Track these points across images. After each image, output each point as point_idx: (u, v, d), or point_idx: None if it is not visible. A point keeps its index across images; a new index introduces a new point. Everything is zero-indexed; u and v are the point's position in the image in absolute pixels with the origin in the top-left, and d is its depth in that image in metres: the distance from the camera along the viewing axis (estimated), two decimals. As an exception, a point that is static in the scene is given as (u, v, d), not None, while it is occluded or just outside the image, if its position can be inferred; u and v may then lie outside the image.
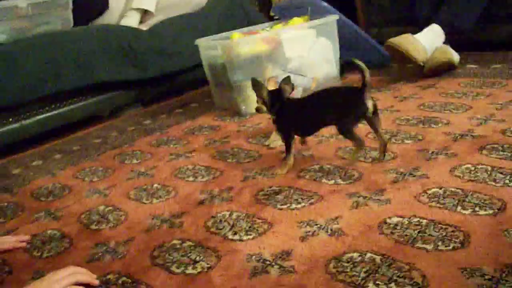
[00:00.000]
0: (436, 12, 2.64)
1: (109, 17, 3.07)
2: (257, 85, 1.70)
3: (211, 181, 1.66)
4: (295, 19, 2.62)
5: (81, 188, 1.83)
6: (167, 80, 2.96)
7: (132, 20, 2.99)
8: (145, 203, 1.58)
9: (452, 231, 1.13)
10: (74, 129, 2.66)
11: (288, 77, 1.70)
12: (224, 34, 2.64)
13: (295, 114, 1.67)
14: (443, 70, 2.50)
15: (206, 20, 3.11)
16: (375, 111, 1.55)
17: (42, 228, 1.54)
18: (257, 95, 1.70)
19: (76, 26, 2.87)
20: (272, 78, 2.06)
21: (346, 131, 1.57)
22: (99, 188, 1.79)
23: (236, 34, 2.55)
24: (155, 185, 1.71)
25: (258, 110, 1.73)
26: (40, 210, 1.68)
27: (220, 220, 1.37)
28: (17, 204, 1.78)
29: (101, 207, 1.61)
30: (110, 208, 1.59)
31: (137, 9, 3.02)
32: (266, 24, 2.84)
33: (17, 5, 2.62)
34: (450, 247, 1.07)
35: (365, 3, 3.51)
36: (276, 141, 1.88)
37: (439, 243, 1.09)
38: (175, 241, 1.30)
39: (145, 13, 3.06)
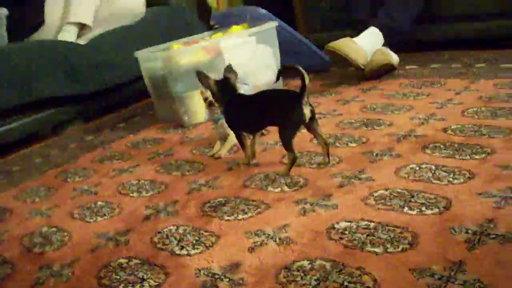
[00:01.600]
0: (374, 15, 2.67)
1: (45, 33, 3.00)
2: (202, 76, 1.70)
3: (156, 195, 1.62)
4: (234, 27, 2.62)
5: (22, 209, 1.76)
6: (108, 94, 2.90)
7: (69, 35, 2.93)
8: (89, 222, 1.53)
9: (400, 233, 1.13)
10: (14, 148, 2.58)
11: (230, 65, 1.75)
12: (163, 45, 2.61)
13: (243, 109, 1.69)
14: (383, 72, 2.53)
15: (146, 31, 3.07)
16: (313, 117, 1.54)
17: (-18, 254, 1.48)
18: (204, 87, 1.71)
19: (10, 43, 2.80)
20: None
21: (284, 141, 1.56)
22: (41, 209, 1.73)
23: (176, 45, 2.52)
24: (99, 203, 1.66)
25: (210, 104, 1.74)
26: (-21, 236, 1.62)
27: (167, 235, 1.33)
28: (-46, 230, 1.71)
29: (44, 229, 1.55)
30: (53, 229, 1.54)
31: (74, 23, 2.95)
32: (206, 33, 2.83)
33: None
34: (399, 249, 1.07)
35: (304, 8, 3.53)
36: (221, 151, 1.86)
37: (388, 245, 1.09)
38: (121, 260, 1.26)
39: (82, 27, 2.99)
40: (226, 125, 1.85)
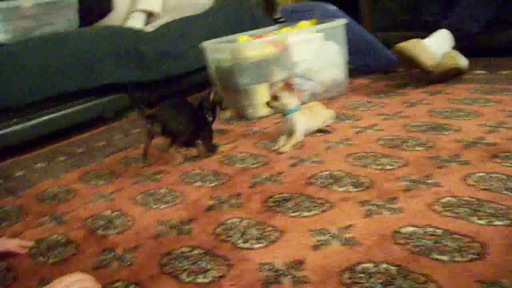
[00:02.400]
0: (444, 17, 2.62)
1: (114, 19, 3.05)
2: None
3: (219, 187, 1.63)
4: (303, 22, 2.60)
5: (86, 192, 1.80)
6: (172, 82, 2.93)
7: (137, 22, 2.97)
8: (152, 208, 1.55)
9: (468, 242, 1.11)
10: (78, 131, 2.64)
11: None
12: (230, 37, 2.62)
13: None
14: (451, 75, 2.48)
15: (212, 22, 3.09)
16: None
17: (47, 233, 1.51)
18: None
19: (81, 27, 2.85)
20: (279, 82, 2.04)
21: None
22: (105, 192, 1.76)
23: (243, 37, 2.53)
24: (162, 190, 1.68)
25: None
26: (45, 214, 1.65)
27: (230, 227, 1.34)
28: (22, 207, 1.76)
29: (107, 212, 1.58)
30: (117, 213, 1.57)
31: (143, 11, 2.99)
32: (273, 27, 2.82)
33: (22, 5, 2.60)
34: (467, 259, 1.05)
35: (372, 6, 3.49)
36: (285, 146, 1.86)
37: (456, 254, 1.07)
38: (184, 249, 1.27)
39: (150, 15, 3.03)
40: (294, 120, 1.87)
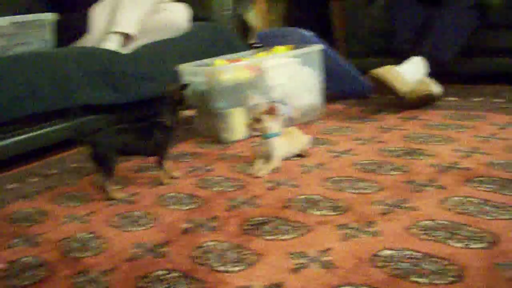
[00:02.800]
0: (418, 45, 2.66)
1: (90, 40, 3.03)
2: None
3: (195, 210, 1.62)
4: (279, 47, 2.62)
5: (60, 213, 1.77)
6: (146, 105, 2.92)
7: (113, 44, 2.96)
8: (127, 231, 1.53)
9: (447, 265, 1.11)
10: (51, 152, 2.60)
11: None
12: (207, 60, 2.62)
13: None
14: (424, 102, 2.51)
15: (188, 45, 3.08)
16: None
17: (19, 255, 1.47)
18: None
19: (56, 48, 2.83)
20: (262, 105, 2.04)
21: None
22: (78, 214, 1.73)
23: (219, 61, 2.53)
24: (137, 212, 1.66)
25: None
26: (17, 236, 1.61)
27: (207, 251, 1.32)
28: (-9, 229, 1.72)
29: (82, 234, 1.55)
30: (91, 235, 1.54)
31: (119, 33, 2.98)
32: (249, 51, 2.84)
33: (-2, 24, 2.58)
34: (447, 281, 1.05)
35: (346, 33, 3.53)
36: (262, 171, 1.86)
37: (435, 277, 1.07)
38: (160, 272, 1.25)
39: (126, 37, 3.02)
40: (273, 145, 1.87)
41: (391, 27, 2.97)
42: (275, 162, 1.89)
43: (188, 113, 2.19)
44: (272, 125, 1.90)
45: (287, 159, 1.97)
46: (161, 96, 1.94)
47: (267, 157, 1.91)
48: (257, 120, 1.90)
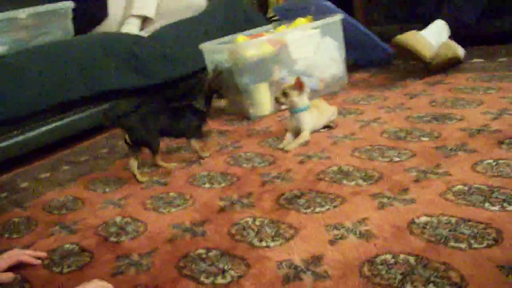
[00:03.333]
0: (439, 8, 2.62)
1: (109, 25, 3.05)
2: None
3: (228, 187, 1.63)
4: (299, 19, 2.61)
5: (94, 199, 1.80)
6: (171, 85, 2.93)
7: (132, 27, 2.97)
8: (163, 213, 1.55)
9: (484, 228, 1.12)
10: (80, 139, 2.63)
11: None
12: (227, 37, 2.62)
13: None
14: (449, 65, 2.49)
15: (207, 24, 3.08)
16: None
17: (59, 243, 1.50)
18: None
19: (76, 35, 2.85)
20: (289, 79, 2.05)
21: None
22: (113, 199, 1.76)
23: (241, 37, 2.53)
24: (171, 194, 1.68)
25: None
26: (54, 224, 1.65)
27: (244, 227, 1.34)
28: (30, 219, 1.75)
29: (118, 218, 1.58)
30: (128, 219, 1.56)
31: (137, 16, 2.99)
32: (270, 26, 2.83)
33: (17, 16, 2.60)
34: (484, 245, 1.06)
35: (365, 1, 3.49)
36: (292, 144, 1.86)
37: (472, 241, 1.07)
38: (200, 251, 1.27)
39: (145, 20, 3.03)
40: (302, 119, 1.87)
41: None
42: (305, 137, 1.90)
43: (220, 104, 2.18)
44: (299, 99, 1.91)
45: (316, 131, 1.97)
46: (199, 82, 1.93)
47: (296, 131, 1.92)
48: (285, 95, 1.91)
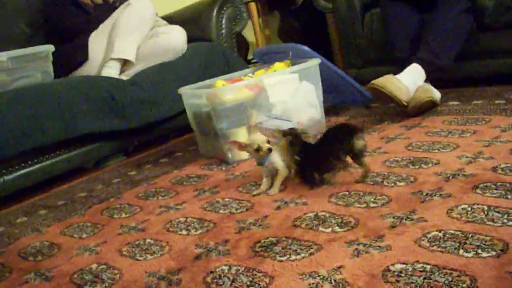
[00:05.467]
0: (415, 52, 2.67)
1: (89, 69, 3.06)
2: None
3: (205, 234, 1.62)
4: (277, 64, 2.63)
5: (70, 245, 1.78)
6: (150, 129, 2.94)
7: (112, 71, 2.98)
8: (139, 260, 1.54)
9: (458, 276, 1.12)
10: (57, 182, 2.62)
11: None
12: (207, 81, 2.64)
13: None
14: (426, 108, 2.52)
15: (187, 68, 3.11)
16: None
17: (33, 291, 1.49)
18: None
19: (56, 79, 2.86)
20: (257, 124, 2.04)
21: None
22: (89, 245, 1.74)
23: (219, 82, 2.55)
24: (148, 240, 1.67)
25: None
26: (29, 271, 1.63)
27: (220, 275, 1.33)
28: (4, 265, 1.73)
29: (94, 266, 1.56)
30: (103, 266, 1.55)
31: (117, 59, 3.01)
32: (248, 70, 2.85)
33: (-3, 59, 2.61)
34: (459, 294, 1.06)
35: (343, 45, 3.54)
36: (274, 188, 1.87)
37: (447, 290, 1.08)
38: (174, 300, 1.26)
39: (125, 63, 3.05)
40: (274, 159, 1.87)
41: (387, 36, 2.98)
42: (283, 173, 1.89)
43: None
44: (266, 144, 1.90)
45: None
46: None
47: (272, 173, 1.92)
48: (257, 150, 1.89)
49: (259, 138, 1.91)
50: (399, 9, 2.91)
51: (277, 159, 1.91)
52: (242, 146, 1.94)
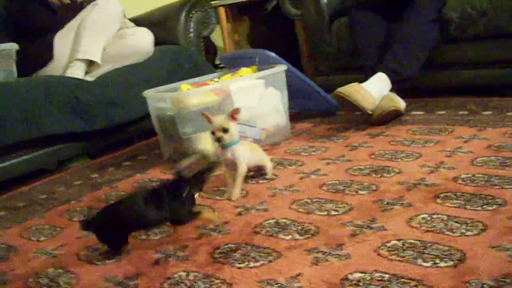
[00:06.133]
0: (382, 61, 2.68)
1: (54, 68, 3.02)
2: None
3: (164, 239, 1.61)
4: (244, 69, 2.63)
5: (28, 248, 1.75)
6: (114, 131, 2.91)
7: (77, 71, 2.94)
8: (97, 265, 1.51)
9: (415, 286, 1.12)
10: (18, 183, 2.57)
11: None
12: (172, 85, 2.62)
13: None
14: (391, 117, 2.53)
15: (153, 70, 3.08)
16: None
17: (-14, 295, 1.46)
18: None
19: (19, 78, 2.81)
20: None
21: None
22: (47, 248, 1.71)
23: (185, 86, 2.53)
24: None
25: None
26: (-16, 274, 1.60)
27: (177, 282, 1.32)
28: (-42, 267, 1.69)
29: (51, 270, 1.53)
30: (60, 270, 1.52)
31: (83, 60, 2.97)
32: (215, 74, 2.84)
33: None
34: (415, 303, 1.06)
35: (311, 52, 3.55)
36: (234, 192, 1.86)
37: (403, 300, 1.08)
38: (130, 306, 1.24)
39: (90, 64, 3.01)
40: (237, 152, 1.87)
41: (354, 44, 3.00)
42: (242, 170, 1.87)
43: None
44: (235, 131, 1.88)
45: (255, 181, 1.98)
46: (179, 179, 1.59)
47: (232, 167, 1.90)
48: (225, 130, 1.84)
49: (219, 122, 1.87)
50: (367, 18, 2.92)
51: (239, 152, 1.88)
52: (208, 118, 1.88)
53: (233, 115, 1.86)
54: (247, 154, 1.92)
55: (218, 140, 1.86)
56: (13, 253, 1.73)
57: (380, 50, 2.78)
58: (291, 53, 3.02)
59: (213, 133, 1.86)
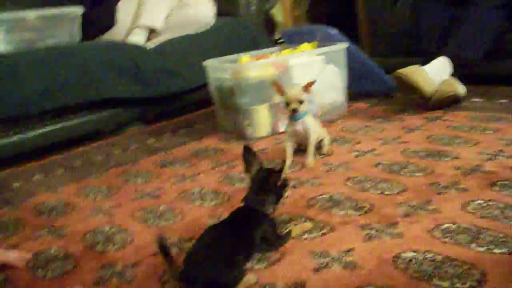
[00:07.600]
0: (444, 44, 2.64)
1: (116, 34, 3.07)
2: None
3: (219, 206, 1.64)
4: (304, 45, 2.62)
5: (85, 206, 1.80)
6: (170, 99, 2.95)
7: (138, 38, 2.99)
8: (152, 225, 1.56)
9: (468, 269, 1.12)
10: (75, 144, 2.64)
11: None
12: (231, 56, 2.63)
13: None
14: (449, 102, 2.50)
15: (212, 41, 3.11)
16: None
17: (45, 246, 1.51)
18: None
19: (82, 41, 2.87)
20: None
21: None
22: (103, 207, 1.76)
23: (244, 58, 2.55)
24: (162, 207, 1.69)
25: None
26: (42, 227, 1.65)
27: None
28: (19, 219, 1.75)
29: (106, 227, 1.58)
30: (116, 229, 1.57)
31: (144, 27, 3.01)
32: (274, 48, 2.84)
33: (26, 17, 2.62)
34: (467, 286, 1.06)
35: (372, 32, 3.51)
36: (309, 159, 1.90)
37: (456, 281, 1.08)
38: (184, 266, 1.27)
39: (152, 31, 3.05)
40: (308, 123, 1.91)
41: (416, 27, 2.95)
42: (313, 142, 1.92)
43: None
44: (306, 103, 1.93)
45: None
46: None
47: (301, 139, 1.94)
48: (301, 102, 1.90)
49: (296, 93, 1.92)
50: (431, 2, 2.88)
51: (311, 123, 1.92)
52: (280, 89, 1.93)
53: (307, 87, 1.90)
54: (317, 127, 1.96)
55: (294, 111, 1.91)
56: (71, 209, 1.79)
57: (442, 35, 2.73)
58: (349, 32, 2.98)
59: (287, 104, 1.91)
